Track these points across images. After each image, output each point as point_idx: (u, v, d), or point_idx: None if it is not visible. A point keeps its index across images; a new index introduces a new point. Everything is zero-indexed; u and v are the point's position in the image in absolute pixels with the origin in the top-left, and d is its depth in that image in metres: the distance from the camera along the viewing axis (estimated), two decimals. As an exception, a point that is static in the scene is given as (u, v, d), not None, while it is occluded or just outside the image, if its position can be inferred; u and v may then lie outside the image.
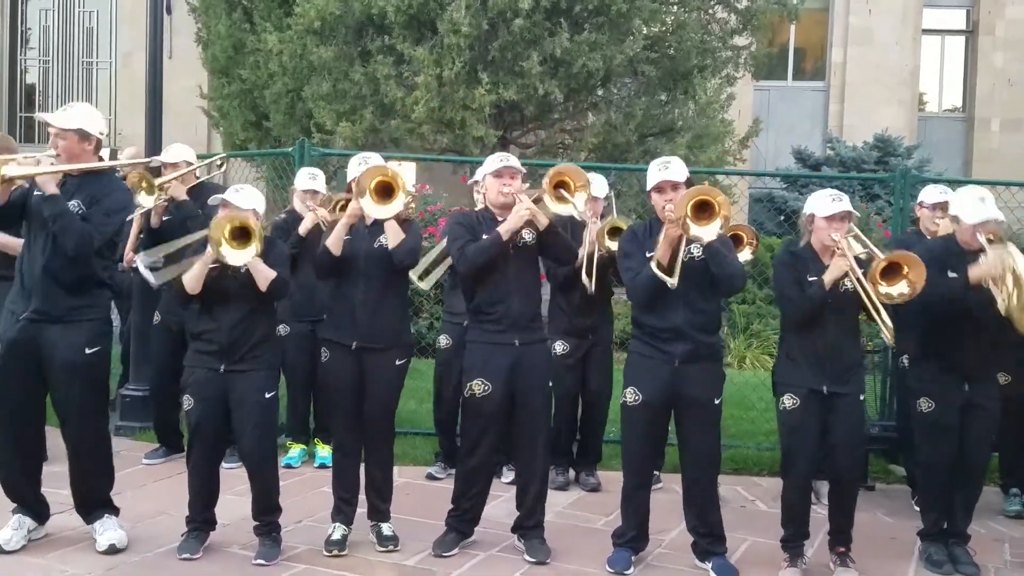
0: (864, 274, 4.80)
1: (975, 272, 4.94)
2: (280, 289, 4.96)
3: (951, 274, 5.01)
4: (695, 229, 4.68)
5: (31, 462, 5.05)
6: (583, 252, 5.76)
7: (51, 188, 4.69)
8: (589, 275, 5.80)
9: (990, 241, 4.95)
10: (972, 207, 5.00)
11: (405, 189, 4.92)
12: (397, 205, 4.89)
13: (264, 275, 4.88)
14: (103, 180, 4.98)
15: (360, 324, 5.05)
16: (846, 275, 4.81)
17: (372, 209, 4.91)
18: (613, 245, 6.02)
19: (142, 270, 5.36)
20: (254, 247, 4.78)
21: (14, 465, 5.01)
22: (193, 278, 4.90)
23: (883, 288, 4.78)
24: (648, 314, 4.95)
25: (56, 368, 4.86)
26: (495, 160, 5.17)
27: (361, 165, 5.09)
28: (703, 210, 4.70)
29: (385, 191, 4.89)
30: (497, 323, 5.05)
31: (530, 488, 5.20)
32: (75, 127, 4.85)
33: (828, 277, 4.80)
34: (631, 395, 4.94)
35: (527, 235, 5.04)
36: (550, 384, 5.22)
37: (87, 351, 4.90)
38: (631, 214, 10.94)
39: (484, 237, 5.01)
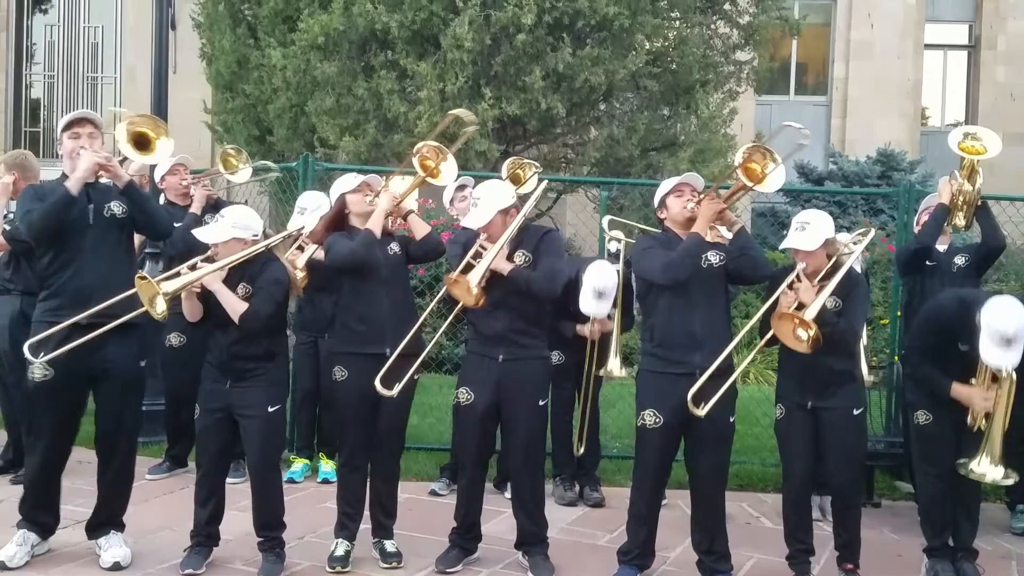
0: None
1: (958, 391, 4.95)
2: (250, 322, 4.84)
3: (961, 346, 4.89)
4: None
5: (58, 482, 5.09)
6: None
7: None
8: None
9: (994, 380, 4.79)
10: (993, 351, 4.60)
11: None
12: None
13: (232, 307, 4.84)
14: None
15: (390, 333, 5.06)
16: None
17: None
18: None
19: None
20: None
21: (47, 486, 5.04)
22: (189, 310, 4.95)
23: (797, 330, 4.66)
24: (664, 322, 4.91)
25: (115, 381, 4.96)
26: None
27: (352, 182, 5.20)
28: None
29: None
30: (484, 337, 5.07)
31: (521, 506, 5.19)
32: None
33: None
34: (651, 418, 4.87)
35: (518, 258, 5.03)
36: (541, 403, 5.13)
37: (141, 364, 5.06)
38: (633, 228, 10.93)
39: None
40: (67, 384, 4.88)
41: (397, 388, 4.95)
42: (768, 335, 4.84)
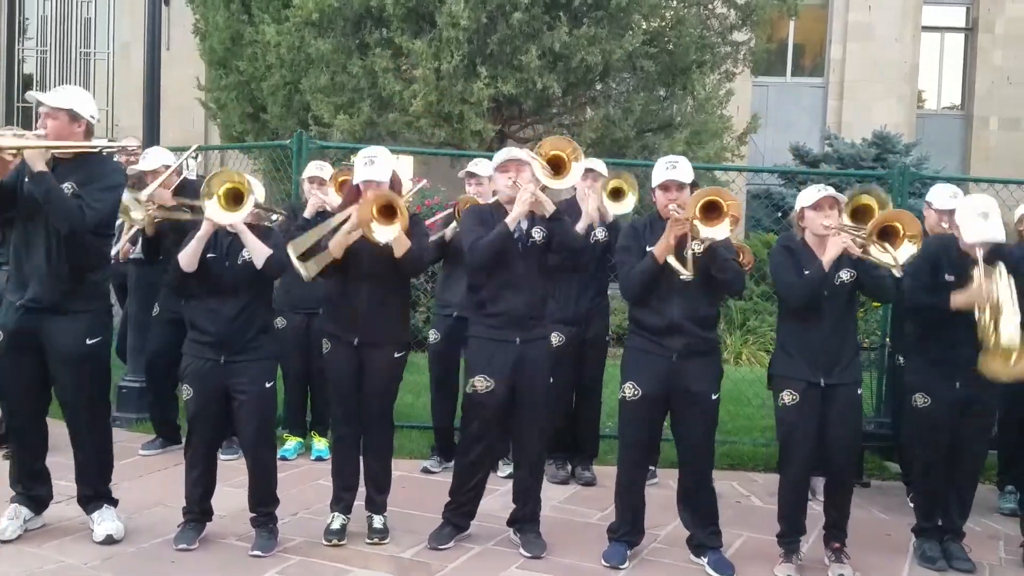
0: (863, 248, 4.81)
1: (958, 299, 4.94)
2: (275, 266, 4.93)
3: (947, 276, 5.02)
4: (704, 230, 4.69)
5: (38, 451, 5.07)
6: (582, 225, 5.86)
7: (39, 166, 4.63)
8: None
9: (987, 261, 4.86)
10: (973, 224, 4.90)
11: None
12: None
13: (259, 251, 4.88)
14: (95, 161, 4.92)
15: (362, 323, 5.06)
16: (844, 260, 4.83)
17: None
18: (615, 208, 6.11)
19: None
20: (244, 210, 4.81)
21: (23, 455, 5.03)
22: (189, 254, 4.87)
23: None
24: (645, 311, 4.96)
25: (58, 359, 4.86)
26: (500, 155, 5.17)
27: (367, 165, 5.00)
28: (712, 211, 4.72)
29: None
30: (499, 320, 5.05)
31: (528, 482, 5.22)
32: (66, 107, 4.81)
33: (827, 257, 4.81)
34: (630, 390, 4.94)
35: (536, 234, 5.03)
36: (551, 380, 5.21)
37: (88, 341, 4.89)
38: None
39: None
40: (13, 348, 4.85)
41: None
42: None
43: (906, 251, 4.80)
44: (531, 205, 4.92)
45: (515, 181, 4.99)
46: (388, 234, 4.78)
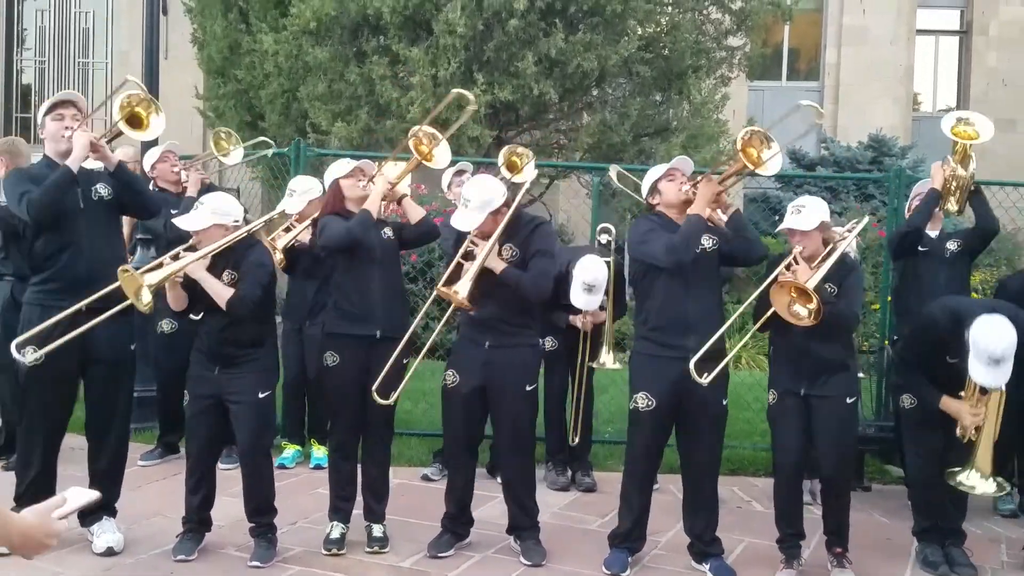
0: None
1: (947, 405, 4.95)
2: (238, 308, 4.83)
3: (950, 359, 4.89)
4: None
5: (54, 467, 5.08)
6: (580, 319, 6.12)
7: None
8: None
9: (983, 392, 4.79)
10: (983, 370, 4.56)
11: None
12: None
13: (218, 294, 4.83)
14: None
15: (381, 315, 5.09)
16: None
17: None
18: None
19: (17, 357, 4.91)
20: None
21: (42, 472, 5.01)
22: (174, 301, 4.94)
23: (794, 306, 4.70)
24: (658, 307, 4.92)
25: (104, 366, 4.97)
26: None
27: (345, 167, 5.20)
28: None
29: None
30: (473, 322, 5.09)
31: (509, 491, 5.22)
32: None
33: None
34: (643, 400, 4.90)
35: (507, 251, 5.03)
36: (529, 388, 5.11)
37: (131, 347, 5.08)
38: (625, 214, 10.95)
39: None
40: (58, 368, 4.86)
41: (394, 397, 5.02)
42: (764, 317, 4.87)
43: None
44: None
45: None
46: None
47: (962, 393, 4.89)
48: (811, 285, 4.68)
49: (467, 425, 5.16)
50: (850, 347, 5.16)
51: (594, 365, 6.30)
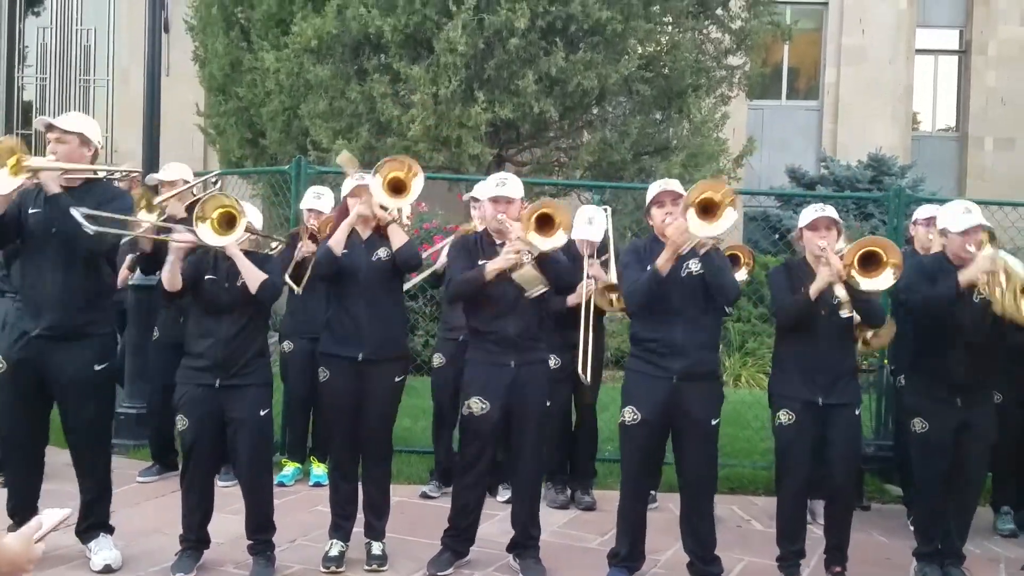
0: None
1: (965, 275, 4.98)
2: (269, 292, 4.94)
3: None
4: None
5: (34, 480, 5.06)
6: (581, 291, 5.75)
7: (55, 188, 4.70)
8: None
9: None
10: (958, 217, 5.07)
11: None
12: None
13: (253, 276, 4.88)
14: (104, 187, 5.05)
15: (366, 337, 5.08)
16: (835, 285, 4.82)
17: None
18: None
19: (77, 216, 5.12)
20: (235, 235, 4.80)
21: (22, 484, 5.02)
22: (168, 274, 4.89)
23: (867, 282, 4.77)
24: (647, 329, 4.94)
25: (65, 386, 4.89)
26: (492, 184, 5.19)
27: (358, 181, 5.14)
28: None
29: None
30: (495, 344, 5.07)
31: (525, 507, 5.21)
32: (77, 130, 4.89)
33: (814, 288, 4.82)
34: (629, 414, 4.93)
35: (526, 257, 5.03)
36: (548, 403, 5.20)
37: (96, 368, 4.94)
38: (626, 232, 10.97)
39: (479, 264, 5.05)
40: (16, 376, 4.86)
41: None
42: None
43: (886, 279, 4.81)
44: (512, 262, 4.94)
45: (505, 217, 5.01)
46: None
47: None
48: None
49: (495, 452, 5.18)
50: (855, 357, 5.25)
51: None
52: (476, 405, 5.06)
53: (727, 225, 4.75)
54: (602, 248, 6.17)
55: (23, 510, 5.02)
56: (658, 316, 4.89)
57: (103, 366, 4.99)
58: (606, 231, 6.17)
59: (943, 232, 5.16)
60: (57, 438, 5.10)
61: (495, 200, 5.10)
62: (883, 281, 4.80)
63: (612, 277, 5.73)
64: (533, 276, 4.97)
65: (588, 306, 5.67)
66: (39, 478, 5.10)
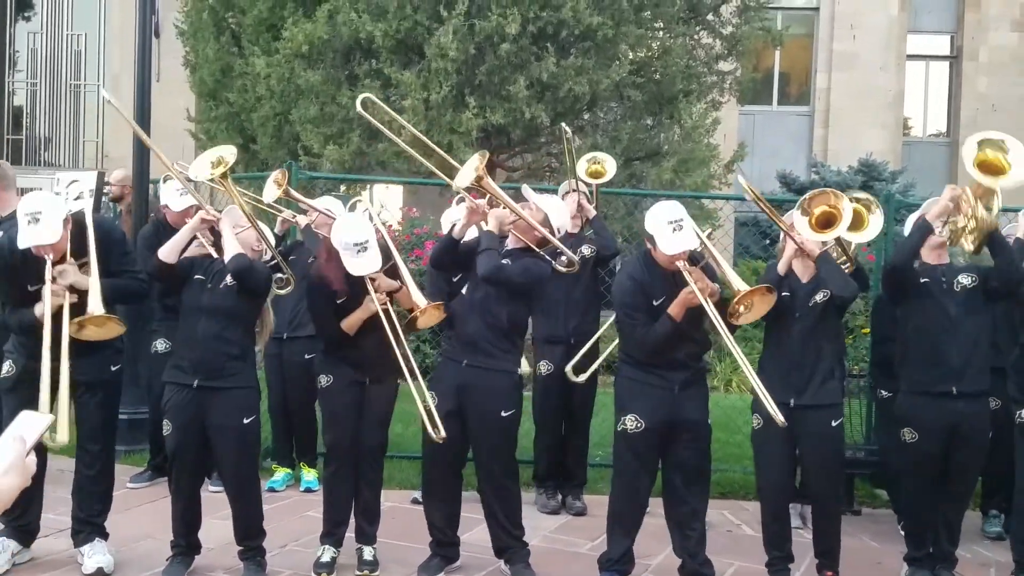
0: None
1: (935, 208, 5.11)
2: (237, 264, 4.80)
3: (919, 266, 5.23)
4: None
5: (38, 484, 5.04)
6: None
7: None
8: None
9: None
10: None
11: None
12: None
13: (232, 248, 4.84)
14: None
15: (373, 363, 5.06)
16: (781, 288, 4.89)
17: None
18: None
19: None
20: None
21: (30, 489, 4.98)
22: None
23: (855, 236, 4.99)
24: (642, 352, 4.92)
25: (80, 388, 4.91)
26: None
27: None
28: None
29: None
30: (456, 339, 5.09)
31: (488, 513, 5.20)
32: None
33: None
34: (632, 422, 4.87)
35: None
36: (506, 413, 5.06)
37: (112, 368, 5.03)
38: (616, 237, 10.97)
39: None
40: (23, 383, 4.85)
41: None
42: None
43: (874, 228, 4.99)
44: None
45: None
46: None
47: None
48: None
49: (443, 446, 5.13)
50: (838, 356, 5.18)
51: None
52: (429, 399, 5.04)
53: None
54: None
55: (22, 517, 5.00)
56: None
57: (117, 367, 5.08)
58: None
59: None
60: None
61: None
62: (870, 232, 4.96)
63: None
64: None
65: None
66: (40, 479, 5.07)
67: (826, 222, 4.82)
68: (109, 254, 4.94)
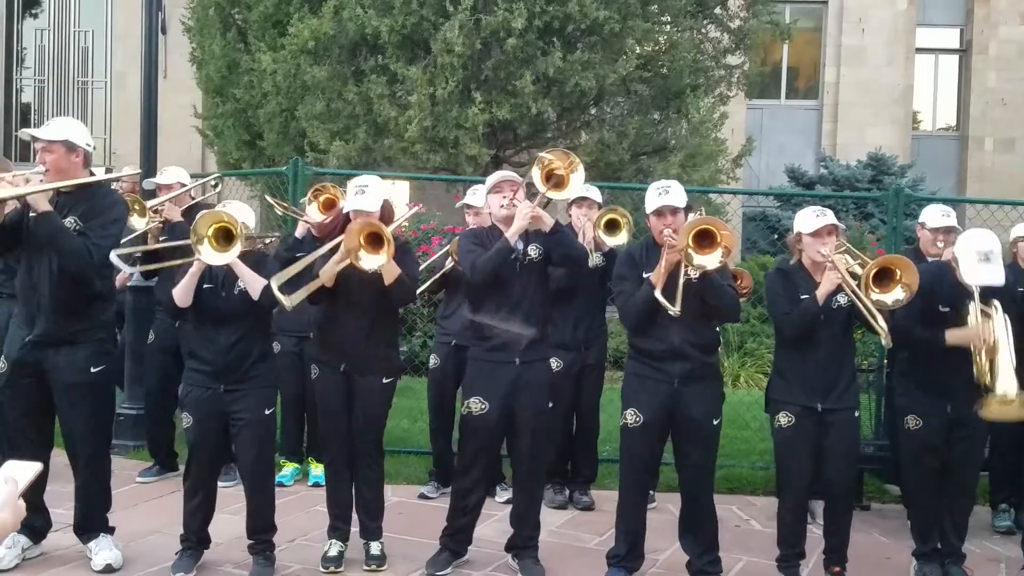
0: (857, 284, 4.79)
1: (953, 336, 4.91)
2: (270, 297, 4.81)
3: (942, 308, 4.97)
4: (697, 258, 4.65)
5: (38, 485, 5.03)
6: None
7: (44, 206, 4.63)
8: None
9: (984, 307, 4.80)
10: (973, 266, 4.74)
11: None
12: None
13: (254, 283, 4.84)
14: (97, 194, 4.92)
15: (350, 351, 5.04)
16: (840, 289, 4.81)
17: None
18: (609, 240, 6.06)
19: (116, 262, 5.06)
20: (235, 249, 4.75)
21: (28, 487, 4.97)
22: (182, 290, 4.86)
23: (876, 295, 4.73)
24: (645, 337, 4.92)
25: (61, 389, 4.87)
26: (493, 177, 5.16)
27: (358, 194, 4.98)
28: (704, 238, 4.68)
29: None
30: (497, 342, 5.03)
31: (527, 508, 5.19)
32: (61, 138, 4.78)
33: (821, 291, 4.81)
34: (631, 416, 4.90)
35: (533, 251, 5.00)
36: (551, 404, 5.15)
37: (92, 370, 4.91)
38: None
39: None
40: (16, 386, 4.87)
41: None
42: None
43: (895, 295, 4.74)
44: (531, 220, 4.89)
45: (511, 200, 4.97)
46: (375, 262, 4.75)
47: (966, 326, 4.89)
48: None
49: (495, 452, 5.15)
50: (854, 360, 5.19)
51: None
52: (476, 405, 5.03)
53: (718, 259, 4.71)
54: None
55: (28, 512, 4.99)
56: (657, 322, 4.85)
57: (99, 369, 4.95)
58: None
59: (954, 260, 5.01)
60: (57, 440, 5.09)
61: (498, 188, 5.05)
62: (891, 296, 4.73)
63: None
64: None
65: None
66: (44, 481, 5.08)
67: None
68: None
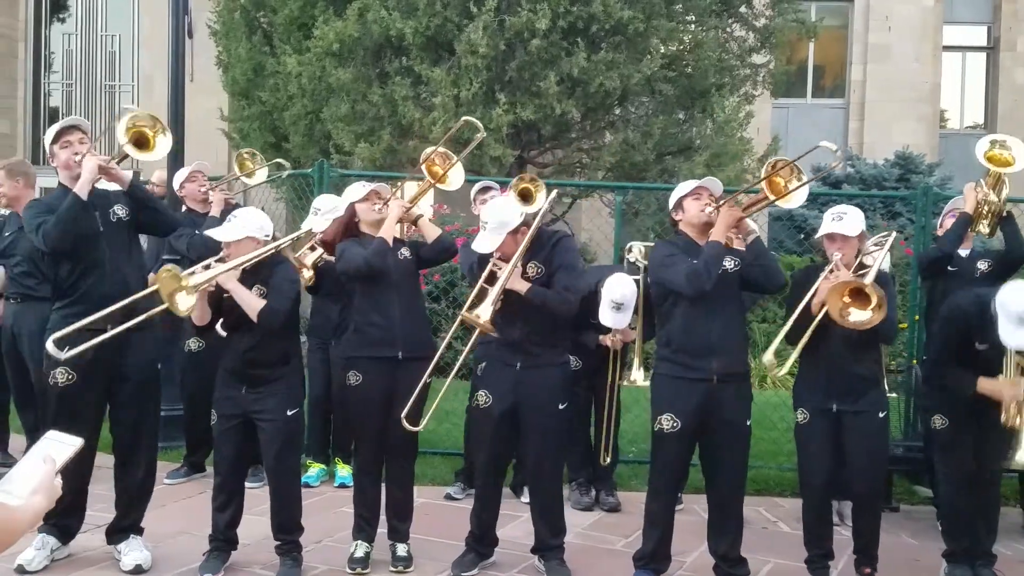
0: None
1: (984, 386, 4.86)
2: (270, 319, 4.82)
3: (979, 345, 4.88)
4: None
5: (83, 483, 5.10)
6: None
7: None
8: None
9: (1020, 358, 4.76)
10: (1012, 330, 4.58)
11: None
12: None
13: (250, 305, 4.81)
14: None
15: (404, 335, 5.09)
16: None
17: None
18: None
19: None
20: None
21: (75, 487, 4.97)
22: (196, 316, 4.89)
23: (853, 316, 4.60)
24: (682, 331, 4.86)
25: (131, 381, 4.98)
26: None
27: (361, 191, 5.19)
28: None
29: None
30: (502, 344, 5.04)
31: (543, 510, 5.18)
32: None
33: (816, 298, 4.76)
34: (668, 422, 4.83)
35: (532, 270, 5.00)
36: (561, 407, 5.07)
37: (159, 366, 5.13)
38: (648, 233, 10.93)
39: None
40: (88, 387, 4.90)
41: (423, 423, 5.03)
42: (813, 323, 4.74)
43: (866, 315, 4.58)
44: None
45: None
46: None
47: (1000, 377, 4.81)
48: (868, 281, 4.60)
49: (497, 447, 5.15)
50: (880, 362, 5.12)
51: (624, 383, 6.27)
52: (480, 398, 5.07)
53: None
54: None
55: (66, 512, 5.01)
56: (694, 314, 4.81)
57: (160, 366, 5.18)
58: None
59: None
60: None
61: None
62: (864, 317, 4.60)
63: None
64: None
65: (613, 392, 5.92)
66: (87, 478, 5.12)
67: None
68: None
